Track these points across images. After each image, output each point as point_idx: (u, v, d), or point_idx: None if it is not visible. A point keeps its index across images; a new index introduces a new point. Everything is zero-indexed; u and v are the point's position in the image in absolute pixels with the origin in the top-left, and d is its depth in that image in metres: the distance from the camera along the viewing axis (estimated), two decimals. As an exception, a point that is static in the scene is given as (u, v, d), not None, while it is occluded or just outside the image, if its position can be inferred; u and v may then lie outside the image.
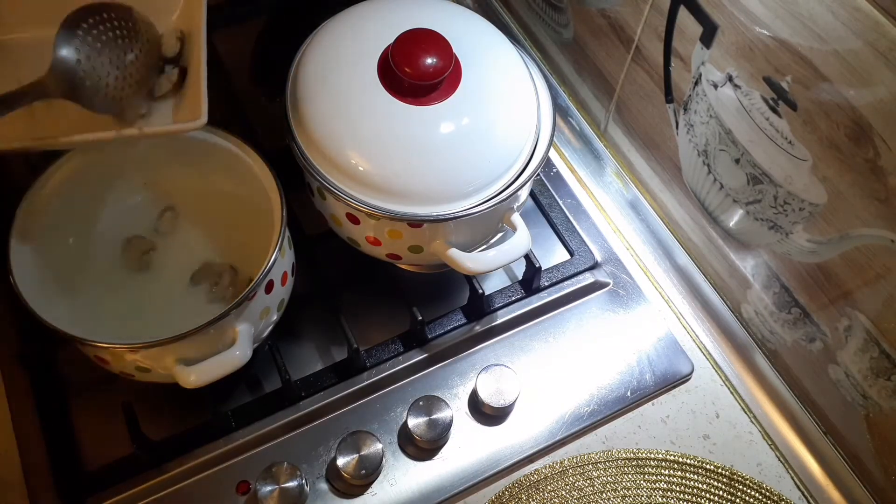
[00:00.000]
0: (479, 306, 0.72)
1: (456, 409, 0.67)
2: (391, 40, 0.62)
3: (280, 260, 0.61)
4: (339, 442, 0.64)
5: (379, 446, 0.64)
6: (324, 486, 0.64)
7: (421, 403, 0.65)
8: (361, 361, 0.69)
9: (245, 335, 0.59)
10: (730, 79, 0.62)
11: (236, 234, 0.71)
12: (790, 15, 0.54)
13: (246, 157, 0.64)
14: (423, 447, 0.66)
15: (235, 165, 0.65)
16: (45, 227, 0.63)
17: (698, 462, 0.67)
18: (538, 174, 0.75)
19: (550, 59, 0.90)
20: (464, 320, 0.72)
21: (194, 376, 0.57)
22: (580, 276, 0.75)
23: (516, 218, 0.66)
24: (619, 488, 0.66)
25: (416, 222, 0.62)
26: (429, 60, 0.60)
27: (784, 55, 0.56)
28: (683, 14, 0.64)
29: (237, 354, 0.58)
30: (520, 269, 0.75)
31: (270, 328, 0.65)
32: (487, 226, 0.67)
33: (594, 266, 0.76)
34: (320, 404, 0.67)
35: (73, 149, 0.63)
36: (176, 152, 0.68)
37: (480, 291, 0.71)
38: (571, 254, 0.77)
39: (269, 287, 0.61)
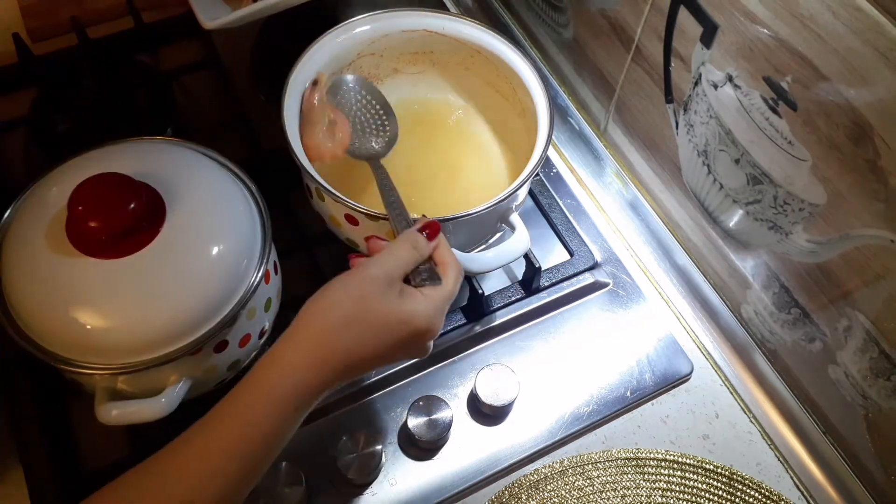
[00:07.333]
0: (479, 306, 0.72)
1: (456, 409, 0.67)
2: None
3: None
4: (338, 442, 0.64)
5: (378, 446, 0.64)
6: (323, 485, 0.64)
7: (421, 403, 0.65)
8: (361, 361, 0.69)
9: (179, 388, 0.58)
10: (730, 79, 0.62)
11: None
12: (790, 15, 0.54)
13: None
14: (422, 447, 0.66)
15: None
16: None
17: (698, 462, 0.67)
18: (538, 174, 0.75)
19: (550, 59, 0.90)
20: (463, 320, 0.72)
21: (116, 412, 0.57)
22: (580, 277, 0.75)
23: (515, 218, 0.66)
24: (618, 488, 0.66)
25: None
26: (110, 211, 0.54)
27: (784, 55, 0.56)
28: (683, 14, 0.64)
29: (162, 402, 0.57)
30: (520, 270, 0.75)
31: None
32: (486, 226, 0.67)
33: (594, 266, 0.76)
34: (320, 404, 0.67)
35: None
36: None
37: (480, 292, 0.71)
38: (571, 254, 0.77)
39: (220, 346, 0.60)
